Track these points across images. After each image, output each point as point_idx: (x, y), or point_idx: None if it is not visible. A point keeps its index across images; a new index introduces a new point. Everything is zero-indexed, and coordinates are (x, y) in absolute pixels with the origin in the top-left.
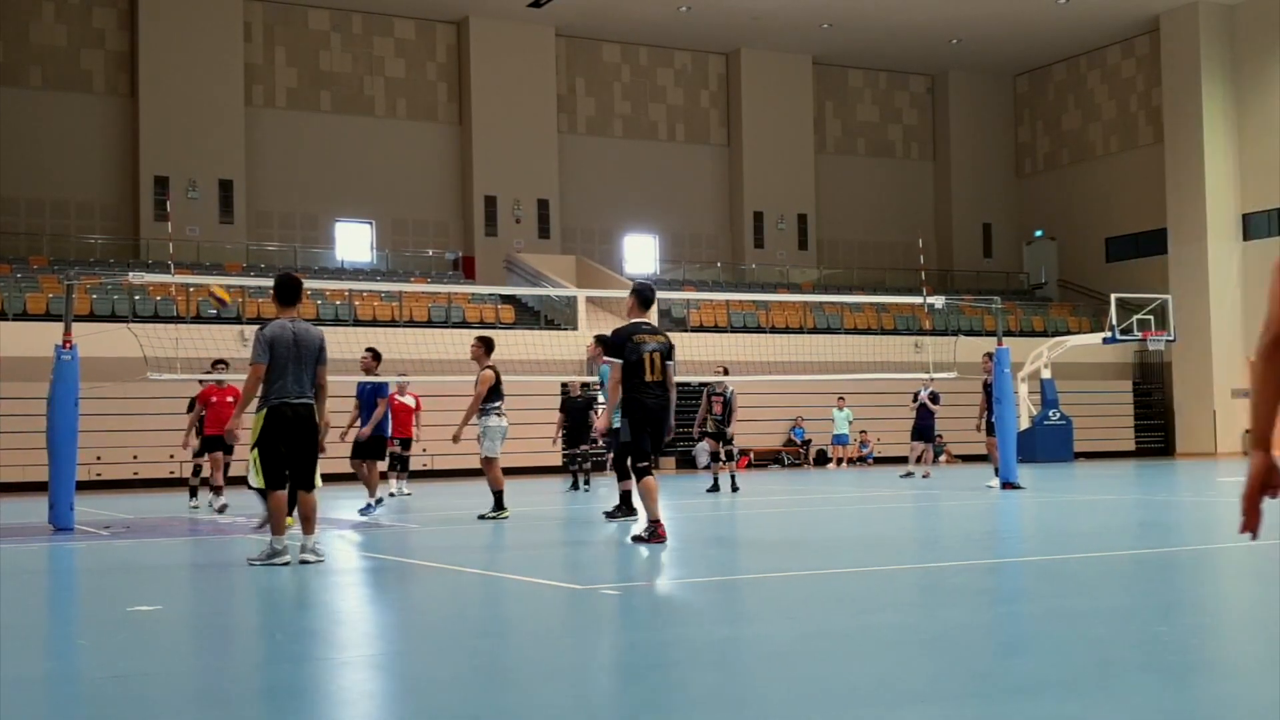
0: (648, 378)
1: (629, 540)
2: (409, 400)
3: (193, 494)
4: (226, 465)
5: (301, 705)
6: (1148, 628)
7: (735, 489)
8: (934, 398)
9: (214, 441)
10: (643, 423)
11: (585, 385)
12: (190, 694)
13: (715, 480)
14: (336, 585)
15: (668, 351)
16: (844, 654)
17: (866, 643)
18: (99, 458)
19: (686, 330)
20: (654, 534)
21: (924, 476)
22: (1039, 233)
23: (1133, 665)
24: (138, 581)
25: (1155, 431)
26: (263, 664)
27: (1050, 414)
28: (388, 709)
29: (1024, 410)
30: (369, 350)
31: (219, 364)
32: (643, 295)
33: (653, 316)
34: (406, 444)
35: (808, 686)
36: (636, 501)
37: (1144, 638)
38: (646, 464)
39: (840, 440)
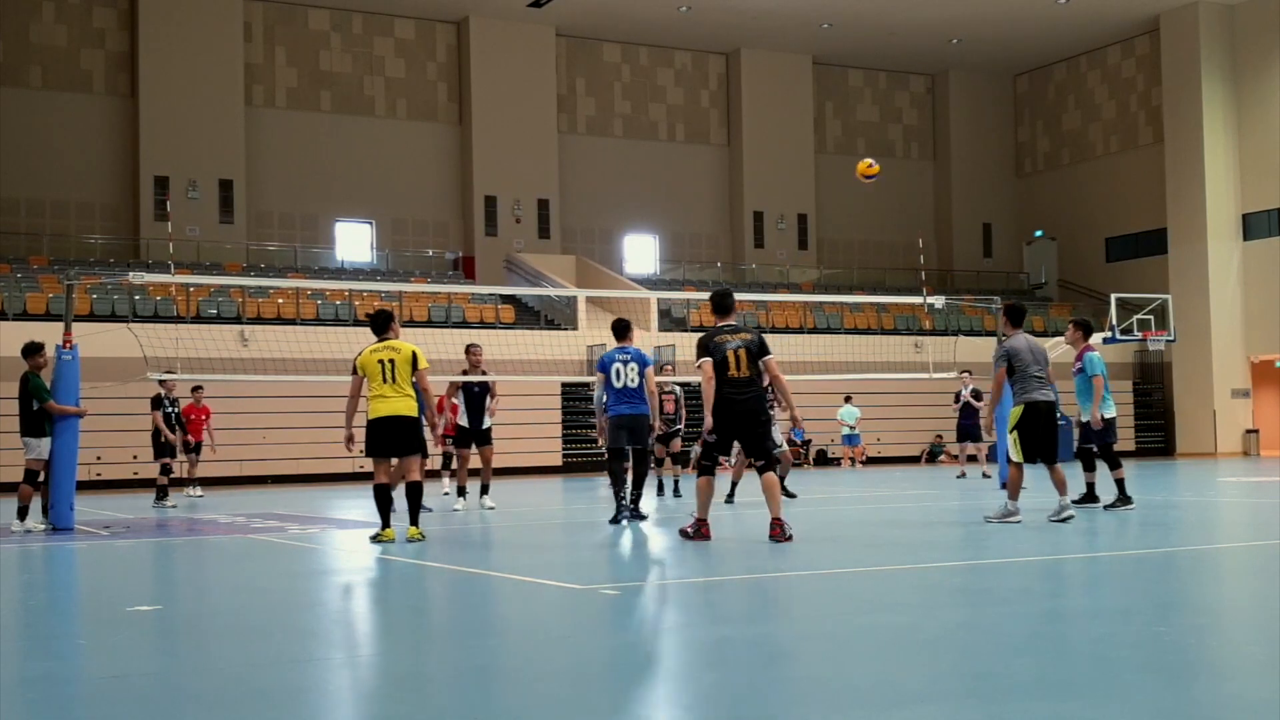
0: (731, 374)
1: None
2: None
3: (163, 494)
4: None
5: (302, 706)
6: (1147, 628)
7: (677, 494)
8: (976, 395)
9: (190, 446)
10: (730, 420)
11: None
12: (190, 694)
13: (660, 483)
14: (340, 585)
15: (756, 349)
16: (844, 654)
17: (866, 643)
18: (99, 458)
19: (686, 330)
20: (700, 531)
21: (984, 476)
22: (1039, 233)
23: (1132, 665)
24: (138, 581)
25: (1155, 431)
26: (263, 664)
27: None
28: (387, 709)
29: None
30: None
31: (197, 389)
32: (714, 303)
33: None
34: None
35: (808, 686)
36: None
37: (1144, 638)
38: (710, 464)
39: (852, 441)
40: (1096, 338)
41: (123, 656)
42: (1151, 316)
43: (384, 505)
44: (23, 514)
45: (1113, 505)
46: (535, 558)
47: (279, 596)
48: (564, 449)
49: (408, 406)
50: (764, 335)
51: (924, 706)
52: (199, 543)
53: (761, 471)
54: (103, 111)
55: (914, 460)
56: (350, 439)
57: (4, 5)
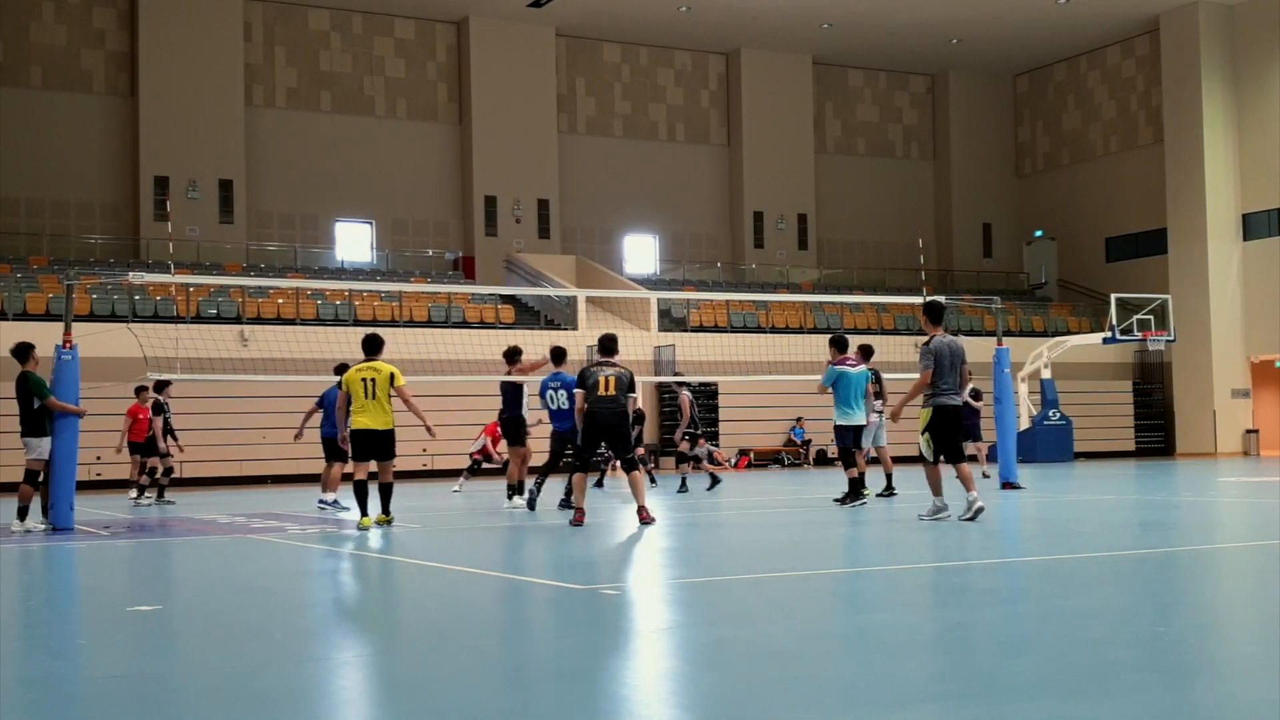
0: (600, 392)
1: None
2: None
3: (141, 491)
4: (143, 466)
5: (301, 706)
6: (1147, 628)
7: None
8: (975, 395)
9: (136, 447)
10: (595, 430)
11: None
12: (190, 694)
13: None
14: (338, 585)
15: (626, 381)
16: (844, 654)
17: (866, 643)
18: (99, 458)
19: (686, 330)
20: (574, 519)
21: (984, 475)
22: (1039, 233)
23: (1132, 665)
24: (138, 581)
25: (1155, 431)
26: (263, 664)
27: (1050, 414)
28: (387, 709)
29: (1024, 410)
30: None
31: (141, 390)
32: (601, 344)
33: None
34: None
35: (808, 686)
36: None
37: (1143, 638)
38: (581, 462)
39: None
40: (1096, 338)
41: (123, 656)
42: (1151, 316)
43: (362, 497)
44: (23, 514)
45: (841, 499)
46: (535, 558)
47: (279, 596)
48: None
49: (383, 421)
50: (634, 378)
51: (924, 706)
52: (199, 543)
53: (627, 470)
54: (103, 111)
55: (914, 460)
56: (344, 440)
57: (4, 5)
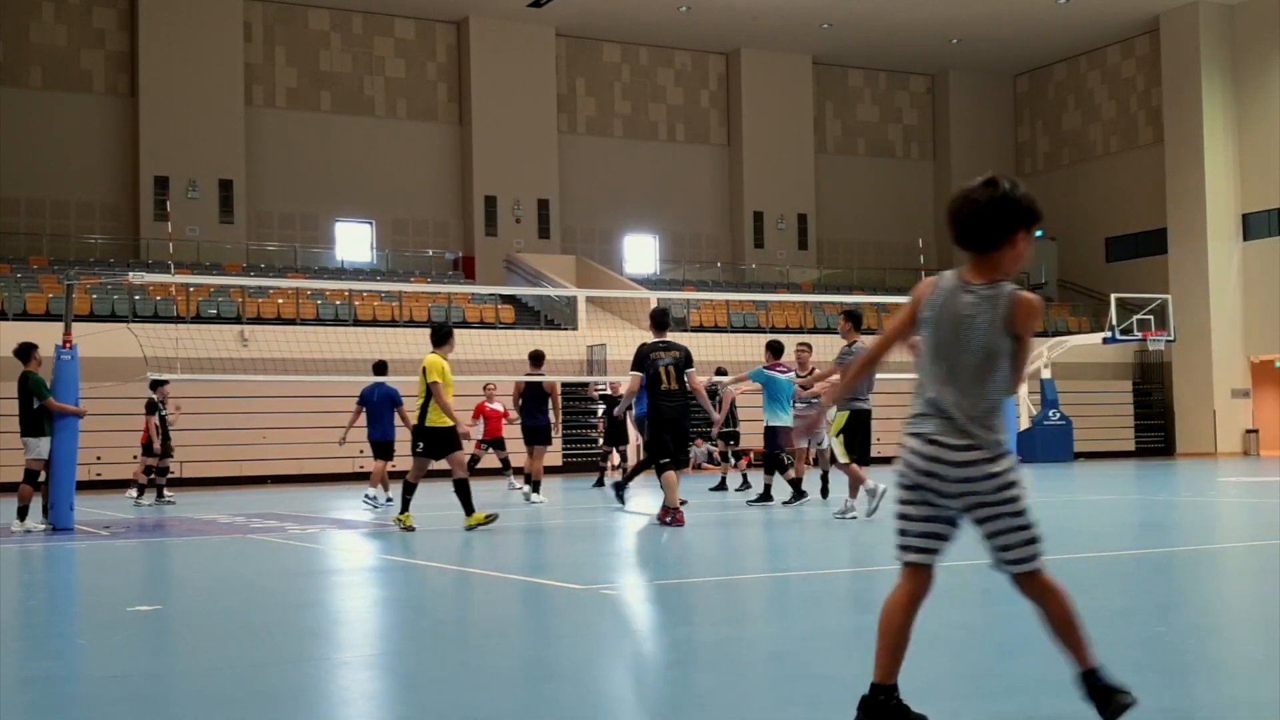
0: (664, 387)
1: (653, 522)
2: (498, 406)
3: (141, 491)
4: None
5: (301, 706)
6: (1147, 628)
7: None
8: None
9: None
10: (661, 426)
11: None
12: (190, 694)
13: (724, 480)
14: (340, 585)
15: (683, 363)
16: (844, 654)
17: (866, 643)
18: (99, 458)
19: (686, 330)
20: (674, 519)
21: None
22: (1039, 233)
23: (1132, 665)
24: (138, 581)
25: (1155, 431)
26: (263, 664)
27: (1050, 414)
28: (387, 709)
29: (1024, 410)
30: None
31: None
32: (654, 319)
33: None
34: (499, 444)
35: (808, 686)
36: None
37: (1143, 638)
38: (667, 460)
39: None
40: (1096, 338)
41: (123, 656)
42: (1151, 316)
43: (463, 497)
44: (23, 514)
45: (789, 501)
46: (535, 558)
47: (279, 596)
48: (564, 449)
49: (415, 417)
50: (690, 352)
51: (924, 706)
52: (199, 543)
53: (662, 470)
54: (103, 111)
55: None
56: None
57: (4, 5)
